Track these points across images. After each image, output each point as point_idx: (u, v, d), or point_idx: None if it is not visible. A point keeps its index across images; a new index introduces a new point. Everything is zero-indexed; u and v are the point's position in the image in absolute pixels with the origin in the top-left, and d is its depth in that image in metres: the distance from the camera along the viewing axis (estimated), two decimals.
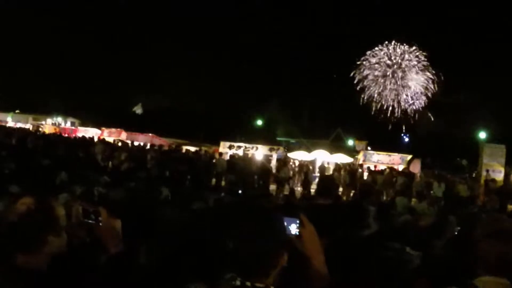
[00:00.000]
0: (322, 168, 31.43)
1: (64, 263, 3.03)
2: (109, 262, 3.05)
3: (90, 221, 3.14)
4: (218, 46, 65.26)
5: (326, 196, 6.43)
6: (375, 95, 62.09)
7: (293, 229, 2.85)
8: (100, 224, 3.12)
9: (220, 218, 6.59)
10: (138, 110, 67.07)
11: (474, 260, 2.99)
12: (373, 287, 3.87)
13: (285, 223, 2.73)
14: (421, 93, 61.43)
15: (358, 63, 61.59)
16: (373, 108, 61.70)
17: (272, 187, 26.49)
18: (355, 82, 61.64)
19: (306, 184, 26.82)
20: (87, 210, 3.16)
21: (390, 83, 61.97)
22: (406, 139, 62.81)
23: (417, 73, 61.32)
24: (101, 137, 35.66)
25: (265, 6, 70.55)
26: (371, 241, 5.12)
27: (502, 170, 35.12)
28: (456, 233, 5.69)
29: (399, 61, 61.42)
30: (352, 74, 61.23)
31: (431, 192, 25.46)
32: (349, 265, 3.73)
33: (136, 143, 32.98)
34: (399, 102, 62.13)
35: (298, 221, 2.92)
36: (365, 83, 62.01)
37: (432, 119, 58.66)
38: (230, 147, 34.30)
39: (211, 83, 62.60)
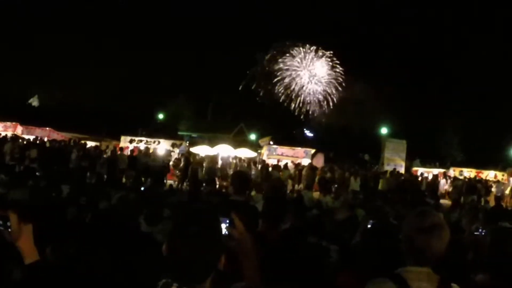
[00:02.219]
0: (226, 163, 31.51)
1: None
2: (25, 276, 2.87)
3: None
4: (119, 39, 64.02)
5: (241, 193, 6.47)
6: (280, 90, 62.70)
7: (224, 229, 2.73)
8: (10, 230, 2.87)
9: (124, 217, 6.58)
10: (34, 102, 64.95)
11: (399, 251, 3.18)
12: (295, 281, 3.97)
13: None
14: (325, 89, 62.60)
15: (267, 57, 62.02)
16: (277, 103, 62.27)
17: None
18: (260, 77, 62.02)
19: (211, 180, 26.79)
20: None
21: (294, 79, 62.78)
22: (310, 134, 63.87)
23: (321, 68, 62.42)
24: None
25: None
26: (288, 236, 5.22)
27: (403, 164, 36.55)
28: (369, 226, 5.88)
29: (303, 57, 62.35)
30: (248, 72, 61.57)
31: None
32: (271, 261, 3.79)
33: (31, 137, 31.92)
34: (302, 98, 63.07)
35: (228, 221, 2.85)
36: (270, 78, 62.48)
37: (335, 114, 59.84)
38: (131, 142, 33.85)
39: (112, 76, 61.48)
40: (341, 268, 4.49)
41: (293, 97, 62.66)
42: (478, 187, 29.89)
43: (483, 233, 5.77)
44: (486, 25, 67.94)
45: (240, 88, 61.02)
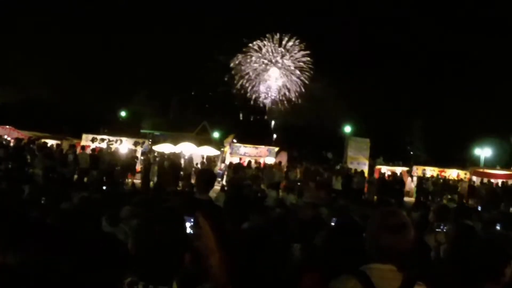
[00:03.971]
0: (190, 161, 31.48)
1: None
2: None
3: None
4: (77, 33, 63.13)
5: (206, 191, 6.47)
6: (243, 88, 62.69)
7: (189, 227, 2.77)
8: None
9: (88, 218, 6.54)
10: None
11: (363, 249, 3.23)
12: (260, 279, 4.00)
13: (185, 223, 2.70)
14: (290, 86, 62.77)
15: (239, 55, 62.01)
16: (241, 101, 62.27)
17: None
18: (224, 77, 61.99)
19: (174, 179, 26.74)
20: None
21: (259, 77, 62.82)
22: (274, 133, 64.04)
23: (287, 67, 62.55)
24: None
25: None
26: (250, 235, 5.24)
27: (367, 162, 36.90)
28: (332, 224, 5.96)
29: (269, 54, 62.42)
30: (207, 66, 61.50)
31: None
32: (234, 260, 3.82)
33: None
34: (265, 95, 63.18)
35: (193, 220, 2.87)
36: (234, 76, 62.45)
37: (299, 112, 60.05)
38: (93, 140, 33.51)
39: (72, 73, 60.66)
40: (304, 266, 4.53)
41: (257, 94, 62.78)
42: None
43: (444, 230, 5.88)
44: (445, 24, 68.89)
45: (193, 91, 61.00)
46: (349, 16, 68.20)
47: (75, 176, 24.49)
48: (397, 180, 31.20)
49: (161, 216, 2.54)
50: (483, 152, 51.49)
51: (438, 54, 64.68)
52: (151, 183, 26.50)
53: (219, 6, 67.38)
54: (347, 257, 3.69)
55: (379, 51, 64.26)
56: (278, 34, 61.64)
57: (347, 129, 54.54)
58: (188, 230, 2.74)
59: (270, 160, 34.51)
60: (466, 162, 46.14)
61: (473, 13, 66.04)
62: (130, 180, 27.45)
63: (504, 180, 33.49)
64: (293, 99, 62.24)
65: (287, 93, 62.54)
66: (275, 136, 59.44)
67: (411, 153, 56.23)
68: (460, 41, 63.75)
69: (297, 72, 62.14)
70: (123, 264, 2.51)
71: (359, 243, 3.44)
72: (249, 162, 32.13)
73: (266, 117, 63.23)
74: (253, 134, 46.90)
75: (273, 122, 65.00)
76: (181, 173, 28.68)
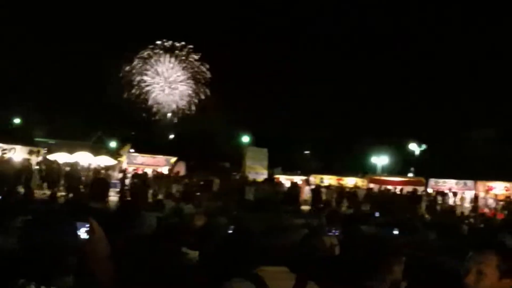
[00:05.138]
0: (84, 170, 30.98)
1: None
2: None
3: None
4: None
5: (100, 199, 6.47)
6: (141, 97, 62.26)
7: (83, 233, 2.89)
8: None
9: None
10: None
11: (253, 253, 3.33)
12: (153, 285, 4.05)
13: (77, 227, 2.80)
14: (187, 95, 62.77)
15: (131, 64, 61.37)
16: (139, 109, 61.81)
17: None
18: (124, 83, 61.33)
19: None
20: None
21: (156, 85, 62.55)
22: (171, 143, 63.72)
23: (184, 75, 62.52)
24: None
25: None
26: (148, 243, 5.27)
27: (265, 172, 37.29)
28: (230, 231, 6.06)
29: (168, 64, 62.23)
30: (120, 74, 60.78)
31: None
32: (133, 265, 3.85)
33: None
34: (161, 103, 62.95)
35: (87, 225, 2.98)
36: (134, 85, 61.92)
37: (196, 121, 60.08)
38: None
39: None
40: (199, 272, 4.60)
41: (152, 104, 62.48)
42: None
43: (336, 233, 6.10)
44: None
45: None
46: (245, 25, 68.76)
47: None
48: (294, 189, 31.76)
49: (44, 218, 2.62)
50: (380, 160, 53.17)
51: (325, 59, 66.17)
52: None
53: (111, 10, 66.36)
54: (239, 262, 3.77)
55: (275, 60, 65.11)
56: (170, 42, 61.71)
57: (245, 139, 55.02)
58: (82, 235, 2.85)
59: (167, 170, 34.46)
60: (363, 170, 47.43)
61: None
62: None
63: (401, 187, 34.72)
64: (188, 109, 62.35)
65: (180, 103, 62.60)
66: (171, 143, 59.23)
67: (306, 162, 57.16)
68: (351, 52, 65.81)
69: (191, 81, 62.28)
70: (9, 272, 2.53)
71: (251, 249, 3.53)
72: (145, 172, 31.95)
73: (162, 127, 62.98)
74: (150, 144, 46.60)
75: (171, 136, 64.80)
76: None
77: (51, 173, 28.58)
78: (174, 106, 63.14)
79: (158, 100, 62.92)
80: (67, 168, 30.59)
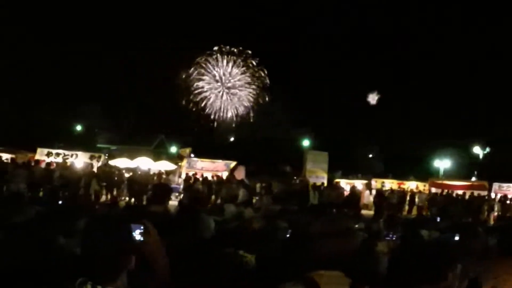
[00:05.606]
0: (146, 176, 31.38)
1: None
2: None
3: None
4: (34, 42, 62.23)
5: (160, 203, 6.60)
6: (202, 102, 62.72)
7: (138, 235, 3.04)
8: None
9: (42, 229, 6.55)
10: None
11: (310, 256, 3.35)
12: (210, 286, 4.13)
13: (132, 229, 2.94)
14: (247, 100, 62.94)
15: (190, 71, 61.92)
16: (199, 115, 62.27)
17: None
18: (182, 89, 61.88)
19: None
20: None
21: (216, 91, 62.91)
22: (231, 147, 64.00)
23: (242, 81, 62.69)
24: None
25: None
26: (206, 246, 5.36)
27: (325, 175, 37.15)
28: (288, 235, 6.10)
29: (226, 69, 62.52)
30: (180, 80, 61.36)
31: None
32: (190, 267, 3.94)
33: None
34: (220, 109, 63.27)
35: (142, 227, 3.12)
36: (192, 90, 62.42)
37: (257, 126, 60.26)
38: (48, 154, 33.19)
39: (27, 85, 59.91)
40: (256, 276, 4.65)
41: (211, 110, 62.84)
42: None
43: (393, 238, 6.06)
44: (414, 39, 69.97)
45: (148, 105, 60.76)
46: (305, 31, 68.75)
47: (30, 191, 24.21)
48: (355, 193, 31.58)
49: (104, 220, 2.78)
50: (442, 163, 52.37)
51: (395, 66, 65.58)
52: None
53: (169, 18, 67.23)
54: (296, 266, 3.80)
55: (336, 64, 64.93)
56: (228, 47, 61.95)
57: (306, 143, 54.91)
58: (138, 237, 3.00)
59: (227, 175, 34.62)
60: (425, 174, 46.78)
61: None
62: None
63: (463, 191, 34.03)
64: (247, 114, 62.47)
65: (240, 108, 62.78)
66: (232, 148, 59.44)
67: (368, 166, 56.62)
68: (417, 52, 64.91)
69: (250, 86, 62.38)
70: (76, 266, 2.70)
71: (307, 253, 3.56)
72: (206, 177, 32.15)
73: (223, 131, 63.32)
74: (210, 149, 46.93)
75: (231, 139, 65.17)
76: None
77: (110, 178, 29.09)
78: (233, 111, 63.40)
79: (217, 105, 63.28)
80: (129, 174, 31.10)
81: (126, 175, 31.24)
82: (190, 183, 30.61)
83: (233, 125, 63.20)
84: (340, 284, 3.23)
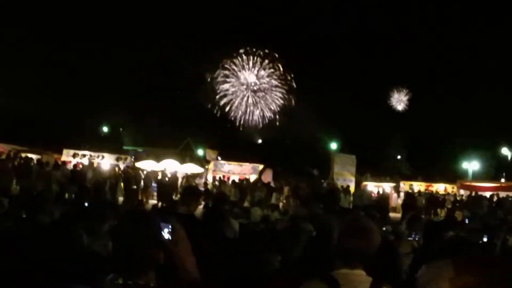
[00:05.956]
0: (174, 178, 31.55)
1: None
2: None
3: None
4: (60, 43, 62.72)
5: (188, 205, 6.71)
6: (228, 105, 62.85)
7: (166, 233, 3.15)
8: None
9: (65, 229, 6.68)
10: None
11: (332, 255, 3.42)
12: (236, 286, 4.21)
13: (161, 227, 3.05)
14: (274, 103, 62.90)
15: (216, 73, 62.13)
16: (225, 118, 62.40)
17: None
18: (208, 92, 62.03)
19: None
20: None
21: (242, 94, 63.00)
22: (259, 149, 64.02)
23: (270, 84, 62.68)
24: None
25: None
26: (231, 247, 5.45)
27: (353, 178, 37.02)
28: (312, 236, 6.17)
29: (253, 71, 62.54)
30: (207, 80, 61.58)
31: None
32: (216, 268, 4.03)
33: None
34: (250, 112, 63.34)
35: (170, 227, 3.21)
36: (218, 93, 62.57)
37: (284, 129, 60.21)
38: (74, 156, 33.57)
39: (52, 87, 60.41)
40: (281, 276, 4.72)
41: (237, 112, 62.92)
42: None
43: (416, 238, 6.10)
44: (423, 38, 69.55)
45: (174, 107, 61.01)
46: (330, 33, 68.60)
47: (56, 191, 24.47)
48: (383, 196, 31.51)
49: (133, 218, 2.86)
50: (471, 165, 51.96)
51: (419, 68, 65.19)
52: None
53: (194, 20, 67.49)
54: (319, 265, 3.86)
55: (362, 66, 64.71)
56: (254, 50, 61.92)
57: (333, 145, 54.78)
58: (166, 235, 3.12)
59: (255, 178, 34.66)
60: (453, 175, 46.46)
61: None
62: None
63: (492, 193, 33.74)
64: (274, 116, 62.44)
65: (266, 111, 62.78)
66: (258, 151, 59.48)
67: (396, 168, 56.29)
68: (443, 53, 64.48)
69: (277, 89, 62.34)
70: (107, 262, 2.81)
71: (330, 252, 3.62)
72: (233, 180, 32.23)
73: (250, 134, 63.39)
74: (237, 151, 46.96)
75: (259, 140, 65.25)
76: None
77: (136, 180, 29.29)
78: (259, 114, 63.41)
79: (243, 108, 63.34)
80: (158, 177, 31.32)
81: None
82: (216, 185, 30.77)
83: (259, 127, 63.11)
84: (361, 283, 3.30)
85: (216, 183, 32.01)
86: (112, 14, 66.09)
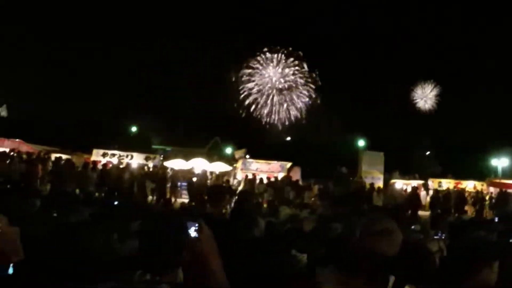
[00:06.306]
0: (203, 177, 31.69)
1: None
2: (14, 271, 3.20)
3: None
4: (85, 49, 63.44)
5: (215, 205, 6.79)
6: (255, 103, 62.95)
7: (193, 232, 3.24)
8: (0, 231, 3.24)
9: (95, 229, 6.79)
10: (3, 112, 64.02)
11: (354, 255, 3.46)
12: (260, 285, 4.27)
13: (187, 226, 3.14)
14: (299, 101, 62.85)
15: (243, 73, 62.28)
16: (251, 116, 62.52)
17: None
18: (234, 91, 62.20)
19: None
20: None
21: (267, 92, 63.05)
22: (287, 147, 63.99)
23: (295, 82, 62.64)
24: None
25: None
26: (258, 246, 5.52)
27: (381, 176, 36.81)
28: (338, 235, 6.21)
29: (277, 70, 62.55)
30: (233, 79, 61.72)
31: None
32: (244, 267, 4.09)
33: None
34: (276, 111, 63.36)
35: (197, 225, 3.30)
36: (244, 91, 62.71)
37: (310, 127, 60.14)
38: (104, 155, 33.87)
39: (80, 87, 61.12)
40: (307, 275, 4.77)
41: (263, 111, 63.00)
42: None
43: (442, 237, 6.10)
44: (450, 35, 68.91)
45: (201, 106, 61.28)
46: (358, 30, 68.36)
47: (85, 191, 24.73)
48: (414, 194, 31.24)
49: (161, 217, 2.97)
50: (500, 162, 51.33)
51: (447, 64, 64.66)
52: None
53: (220, 20, 67.73)
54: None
55: (391, 63, 64.38)
56: (278, 48, 61.94)
57: (361, 143, 54.51)
58: (193, 234, 3.21)
59: (283, 176, 34.63)
60: (483, 173, 45.97)
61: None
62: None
63: None
64: (300, 115, 62.38)
65: (292, 109, 62.74)
66: (287, 148, 59.43)
67: (425, 166, 55.77)
68: (470, 49, 63.88)
69: (302, 88, 62.25)
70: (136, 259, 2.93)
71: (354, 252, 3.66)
72: (261, 178, 32.24)
73: (278, 131, 63.38)
74: (265, 150, 46.99)
75: (288, 138, 65.24)
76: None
77: (163, 179, 29.47)
78: (285, 112, 63.40)
79: (268, 107, 63.37)
80: (189, 176, 31.50)
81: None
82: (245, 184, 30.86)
83: (286, 125, 63.13)
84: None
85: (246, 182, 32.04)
86: (138, 17, 66.65)
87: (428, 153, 62.95)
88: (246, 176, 33.35)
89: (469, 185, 36.95)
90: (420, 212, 27.27)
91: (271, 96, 63.06)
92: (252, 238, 6.07)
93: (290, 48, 61.54)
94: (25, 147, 34.25)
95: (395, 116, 60.27)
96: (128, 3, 67.07)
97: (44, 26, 60.42)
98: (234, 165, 37.80)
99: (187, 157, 35.29)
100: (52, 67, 59.91)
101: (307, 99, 62.23)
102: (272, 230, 7.83)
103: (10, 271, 3.20)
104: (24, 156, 29.66)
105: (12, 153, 29.70)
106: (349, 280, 3.33)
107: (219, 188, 8.32)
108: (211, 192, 7.62)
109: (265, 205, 21.37)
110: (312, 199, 28.79)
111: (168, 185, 29.78)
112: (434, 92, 65.12)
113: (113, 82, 62.67)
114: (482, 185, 36.88)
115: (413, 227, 9.37)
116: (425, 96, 65.11)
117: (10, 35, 58.02)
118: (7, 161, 26.52)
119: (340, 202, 24.75)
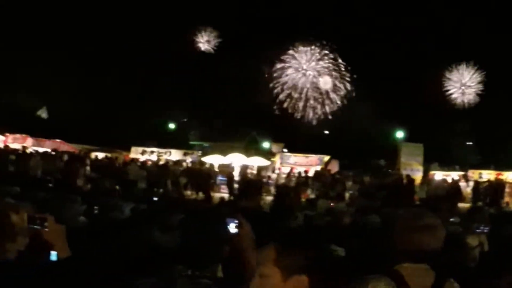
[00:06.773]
0: (243, 172, 31.82)
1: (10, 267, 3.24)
2: (58, 266, 3.30)
3: (35, 227, 3.32)
4: (122, 48, 63.78)
5: (252, 199, 6.84)
6: (289, 97, 62.90)
7: (232, 228, 3.32)
8: (46, 229, 3.31)
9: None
10: (43, 114, 64.87)
11: (396, 250, 3.46)
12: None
13: (227, 223, 3.23)
14: (337, 94, 62.63)
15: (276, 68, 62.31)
16: (289, 110, 62.50)
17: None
18: (270, 85, 62.27)
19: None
20: (32, 216, 3.36)
21: (304, 86, 62.94)
22: (324, 140, 63.77)
23: (330, 75, 62.42)
24: (6, 144, 34.32)
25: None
26: (296, 239, 5.56)
27: (421, 168, 36.42)
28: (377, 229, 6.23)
29: (311, 64, 62.39)
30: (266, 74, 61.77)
31: None
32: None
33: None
34: (313, 105, 63.22)
35: (236, 221, 3.40)
36: (279, 85, 62.69)
37: (347, 120, 59.82)
38: (143, 153, 34.20)
39: (117, 86, 61.57)
40: (345, 268, 4.81)
41: (298, 104, 62.90)
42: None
43: (485, 231, 6.02)
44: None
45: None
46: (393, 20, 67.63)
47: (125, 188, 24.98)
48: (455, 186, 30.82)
49: (201, 213, 3.07)
50: None
51: (482, 54, 63.56)
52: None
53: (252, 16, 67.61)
54: (383, 259, 3.92)
55: (428, 53, 63.57)
56: (311, 41, 61.69)
57: (399, 134, 53.99)
58: (232, 230, 3.31)
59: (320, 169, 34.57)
60: None
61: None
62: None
63: None
64: (337, 108, 62.18)
65: (327, 102, 62.58)
66: (325, 142, 59.28)
67: (465, 157, 54.95)
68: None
69: (337, 80, 62.01)
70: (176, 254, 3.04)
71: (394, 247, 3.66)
72: (299, 172, 32.20)
73: (321, 127, 63.27)
74: (304, 143, 46.91)
75: (326, 132, 65.03)
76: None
77: (202, 174, 29.63)
78: (320, 106, 63.20)
79: (303, 100, 63.23)
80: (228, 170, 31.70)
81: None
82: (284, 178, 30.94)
83: (321, 118, 62.95)
84: (424, 277, 3.33)
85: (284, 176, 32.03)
86: (172, 17, 66.97)
87: (469, 143, 62.06)
88: (286, 170, 33.38)
89: (510, 176, 36.23)
90: (460, 204, 26.98)
91: (305, 90, 62.92)
92: (290, 232, 6.11)
93: (324, 41, 61.36)
94: (65, 147, 34.72)
95: (433, 106, 59.49)
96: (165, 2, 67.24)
97: (80, 26, 60.91)
98: (272, 159, 37.81)
99: (224, 152, 35.42)
100: (89, 67, 60.42)
101: (342, 92, 61.96)
102: (310, 223, 7.88)
103: (54, 257, 3.30)
104: (65, 155, 30.05)
105: (53, 153, 30.17)
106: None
107: (251, 182, 8.38)
108: (244, 186, 7.70)
109: (303, 199, 21.31)
110: (350, 192, 28.67)
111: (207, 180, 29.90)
112: (476, 80, 64.05)
113: (150, 81, 63.00)
114: None
115: (452, 219, 9.29)
116: (465, 85, 64.16)
117: (47, 37, 58.68)
118: (49, 161, 26.91)
119: (377, 195, 24.66)
